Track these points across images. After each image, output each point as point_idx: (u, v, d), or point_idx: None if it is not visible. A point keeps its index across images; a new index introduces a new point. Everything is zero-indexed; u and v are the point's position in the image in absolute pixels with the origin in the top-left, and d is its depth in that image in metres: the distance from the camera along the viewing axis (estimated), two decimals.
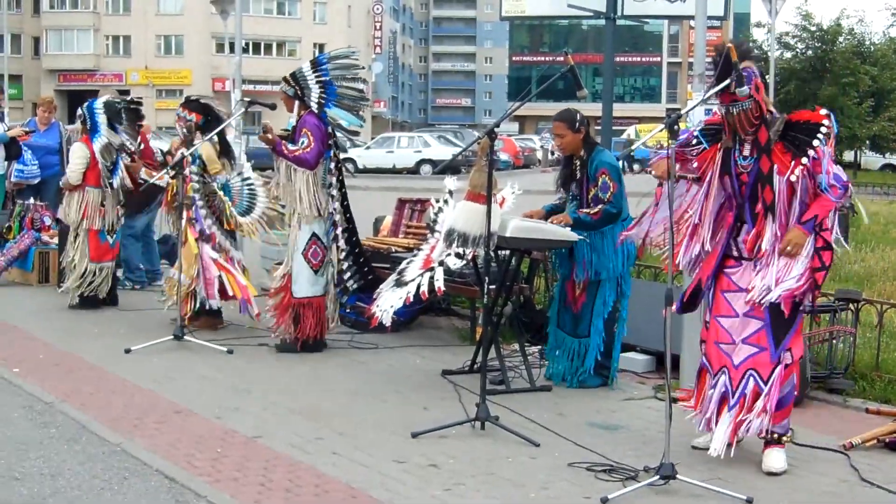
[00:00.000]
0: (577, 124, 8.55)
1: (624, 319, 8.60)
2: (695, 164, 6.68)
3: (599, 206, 8.35)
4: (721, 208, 6.70)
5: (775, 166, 6.36)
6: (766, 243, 6.44)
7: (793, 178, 6.30)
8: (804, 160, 6.27)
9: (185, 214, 10.27)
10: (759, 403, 6.41)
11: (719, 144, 6.60)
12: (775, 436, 6.56)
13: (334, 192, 9.71)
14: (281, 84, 9.84)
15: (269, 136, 9.42)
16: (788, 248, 6.35)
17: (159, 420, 7.48)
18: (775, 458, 6.52)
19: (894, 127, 48.02)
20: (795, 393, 6.68)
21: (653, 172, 6.73)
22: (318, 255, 9.69)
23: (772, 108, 6.48)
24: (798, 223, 6.37)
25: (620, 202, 8.42)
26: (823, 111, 6.43)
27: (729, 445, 6.45)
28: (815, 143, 6.28)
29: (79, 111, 11.92)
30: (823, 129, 6.29)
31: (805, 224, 6.35)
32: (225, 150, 10.83)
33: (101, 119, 11.80)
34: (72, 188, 11.76)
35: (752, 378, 6.45)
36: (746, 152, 6.48)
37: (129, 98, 12.26)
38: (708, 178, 6.63)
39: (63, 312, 11.68)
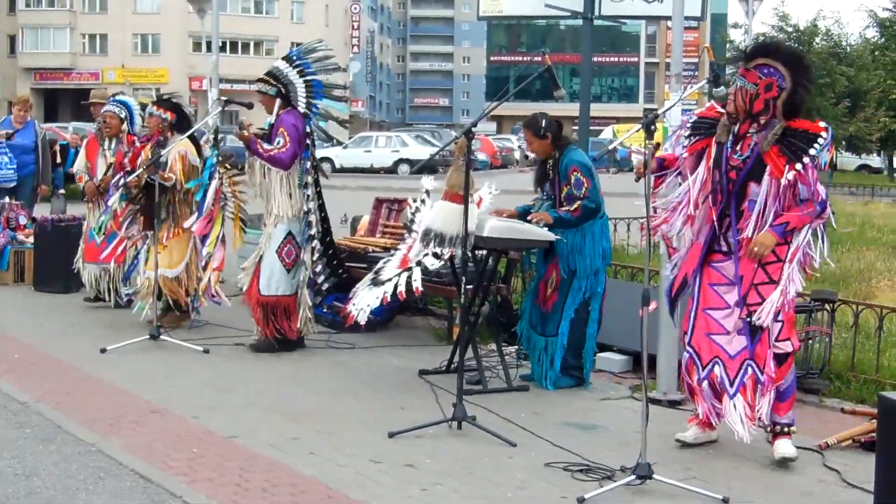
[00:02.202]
0: (542, 130, 8.59)
1: (596, 319, 8.60)
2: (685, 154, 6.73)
3: (578, 203, 8.37)
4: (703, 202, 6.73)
5: (768, 167, 6.38)
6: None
7: (784, 183, 6.32)
8: (798, 165, 6.29)
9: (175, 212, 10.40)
10: (760, 391, 6.48)
11: (713, 138, 6.63)
12: (785, 428, 6.63)
13: (310, 191, 9.68)
14: (258, 85, 9.77)
15: (246, 133, 9.38)
16: (755, 248, 6.41)
17: (135, 420, 7.45)
18: (787, 446, 6.58)
19: (870, 128, 48.22)
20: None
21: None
22: (292, 254, 9.66)
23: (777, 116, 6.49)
24: (770, 227, 6.42)
25: (597, 197, 8.45)
26: (822, 123, 6.48)
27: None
28: (812, 151, 6.31)
29: (119, 111, 11.83)
30: (821, 140, 6.33)
31: (775, 228, 6.41)
32: (198, 151, 10.79)
33: (139, 119, 11.87)
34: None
35: (749, 367, 6.49)
36: (739, 149, 6.51)
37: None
38: (700, 168, 6.66)
39: (39, 311, 11.63)
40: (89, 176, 12.00)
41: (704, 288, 6.71)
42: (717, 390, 6.64)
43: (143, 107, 12.49)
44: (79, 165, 12.32)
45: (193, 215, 10.25)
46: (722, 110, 6.69)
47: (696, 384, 6.71)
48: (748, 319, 6.46)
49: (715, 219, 6.64)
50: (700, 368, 6.67)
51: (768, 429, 6.68)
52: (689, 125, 6.85)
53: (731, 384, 6.53)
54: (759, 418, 6.57)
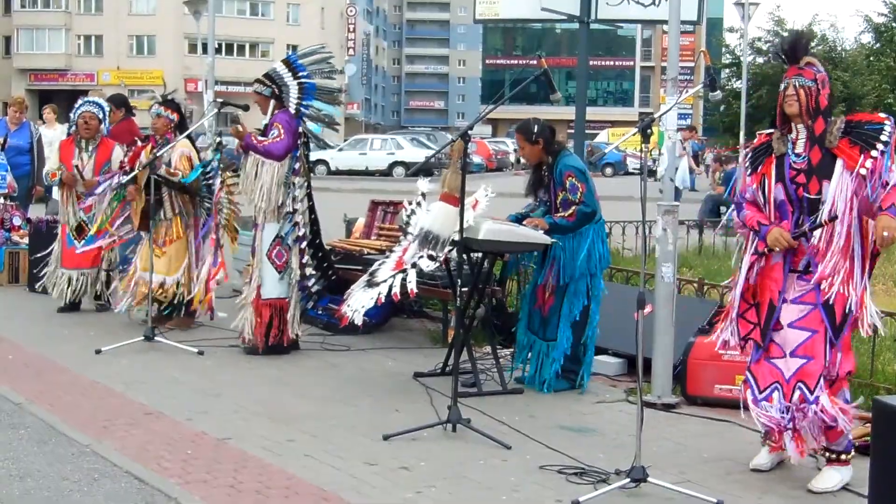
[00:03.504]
0: (534, 136, 8.60)
1: (595, 324, 8.60)
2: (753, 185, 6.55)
3: (574, 208, 8.38)
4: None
5: (840, 161, 6.20)
6: (824, 243, 6.24)
7: (863, 172, 6.11)
8: (874, 153, 6.11)
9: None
10: (808, 414, 6.24)
11: (773, 155, 6.44)
12: (833, 455, 6.38)
13: (298, 192, 9.66)
14: (255, 85, 9.80)
15: (241, 127, 9.40)
16: (885, 233, 6.00)
17: (129, 421, 7.45)
18: (822, 477, 6.34)
19: None
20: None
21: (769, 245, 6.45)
22: (282, 256, 9.65)
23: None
24: (883, 211, 6.08)
25: (593, 201, 8.45)
26: (882, 114, 6.38)
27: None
28: (883, 137, 6.14)
29: (98, 111, 11.79)
30: (888, 128, 6.17)
31: (890, 209, 6.06)
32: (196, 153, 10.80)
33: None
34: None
35: (798, 390, 6.25)
36: (800, 149, 6.34)
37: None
38: (764, 187, 6.46)
39: (33, 313, 11.61)
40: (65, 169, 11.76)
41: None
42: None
43: (121, 106, 12.51)
44: (52, 165, 12.01)
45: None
46: (770, 131, 6.59)
47: (756, 404, 6.41)
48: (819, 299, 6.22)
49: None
50: (758, 391, 6.41)
51: (821, 454, 6.46)
52: (748, 161, 6.63)
53: (787, 410, 6.28)
54: (811, 448, 6.38)
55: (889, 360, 8.73)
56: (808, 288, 6.32)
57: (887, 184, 6.11)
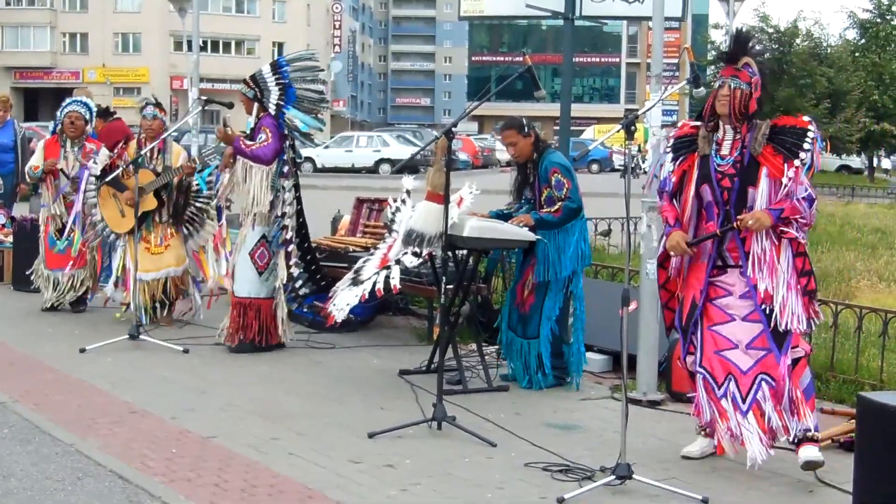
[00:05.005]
0: (526, 129, 8.62)
1: (582, 320, 8.60)
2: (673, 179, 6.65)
3: (560, 204, 8.38)
4: (699, 219, 6.63)
5: (765, 168, 6.32)
6: (758, 247, 6.38)
7: (785, 181, 6.24)
8: (797, 162, 6.23)
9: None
10: (782, 402, 6.34)
11: (696, 153, 6.54)
12: (807, 434, 6.42)
13: (286, 195, 9.64)
14: (241, 86, 9.81)
15: (229, 131, 9.41)
16: (750, 221, 6.25)
17: (114, 420, 7.43)
18: (811, 450, 6.38)
19: (850, 128, 48.36)
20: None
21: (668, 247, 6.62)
22: (265, 257, 9.64)
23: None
24: (765, 209, 6.30)
25: (578, 197, 8.46)
26: (806, 118, 6.44)
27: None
28: (806, 146, 6.25)
29: (84, 111, 11.74)
30: (811, 135, 6.28)
31: (771, 210, 6.28)
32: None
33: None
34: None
35: (763, 382, 6.34)
36: (725, 151, 6.43)
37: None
38: (687, 190, 6.56)
39: (18, 311, 11.58)
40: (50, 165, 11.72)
41: (706, 306, 6.55)
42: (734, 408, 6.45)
43: (105, 111, 12.57)
44: (34, 162, 11.85)
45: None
46: (696, 123, 6.65)
47: (718, 401, 6.47)
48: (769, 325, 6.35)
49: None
50: (717, 387, 6.47)
51: (791, 439, 6.48)
52: (669, 149, 6.74)
53: (744, 401, 6.37)
54: (776, 436, 6.43)
55: (874, 355, 8.75)
56: (745, 289, 6.46)
57: (791, 193, 6.27)
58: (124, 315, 10.60)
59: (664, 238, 6.69)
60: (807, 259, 6.43)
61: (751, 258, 6.39)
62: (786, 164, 6.27)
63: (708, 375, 6.52)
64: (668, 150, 6.75)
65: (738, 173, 6.40)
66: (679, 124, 6.87)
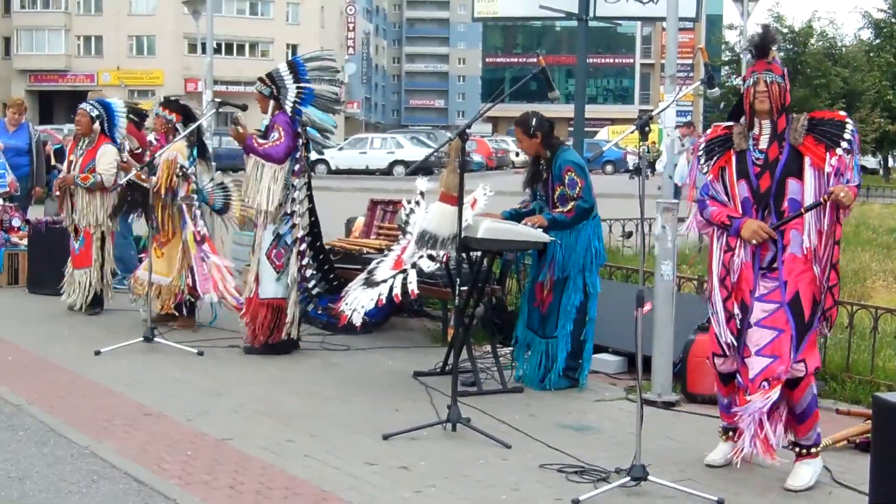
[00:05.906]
0: (532, 129, 8.62)
1: (592, 320, 8.59)
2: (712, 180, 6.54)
3: (572, 204, 8.38)
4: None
5: (808, 158, 6.25)
6: (807, 241, 6.29)
7: (828, 170, 6.18)
8: (839, 150, 6.17)
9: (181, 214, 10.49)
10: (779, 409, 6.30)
11: (732, 150, 6.47)
12: (804, 449, 6.37)
13: (297, 194, 9.64)
14: (256, 84, 9.80)
15: (241, 129, 9.42)
16: (842, 193, 6.08)
17: (129, 423, 7.44)
18: (796, 474, 6.32)
19: (865, 129, 48.19)
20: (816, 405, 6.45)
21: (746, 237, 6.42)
22: (281, 256, 9.64)
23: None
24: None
25: (591, 196, 8.45)
26: (842, 112, 6.42)
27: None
28: (847, 135, 6.20)
29: (92, 110, 11.75)
30: (850, 126, 6.24)
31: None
32: (202, 153, 10.78)
33: (122, 122, 11.84)
34: (103, 190, 11.51)
35: (762, 389, 6.24)
36: (763, 145, 6.36)
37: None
38: (725, 181, 6.48)
39: (32, 314, 11.60)
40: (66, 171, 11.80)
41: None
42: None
43: (138, 112, 12.59)
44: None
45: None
46: (729, 123, 6.59)
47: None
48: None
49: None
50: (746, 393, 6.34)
51: (791, 449, 6.44)
52: (701, 153, 6.65)
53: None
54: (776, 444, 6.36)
55: (889, 356, 8.74)
56: (774, 286, 6.34)
57: (848, 182, 6.18)
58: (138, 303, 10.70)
59: (720, 239, 6.52)
60: (838, 247, 6.39)
61: (805, 228, 6.29)
62: (828, 153, 6.19)
63: (740, 382, 6.42)
64: (701, 154, 6.67)
65: (776, 164, 6.32)
66: (710, 127, 6.78)
